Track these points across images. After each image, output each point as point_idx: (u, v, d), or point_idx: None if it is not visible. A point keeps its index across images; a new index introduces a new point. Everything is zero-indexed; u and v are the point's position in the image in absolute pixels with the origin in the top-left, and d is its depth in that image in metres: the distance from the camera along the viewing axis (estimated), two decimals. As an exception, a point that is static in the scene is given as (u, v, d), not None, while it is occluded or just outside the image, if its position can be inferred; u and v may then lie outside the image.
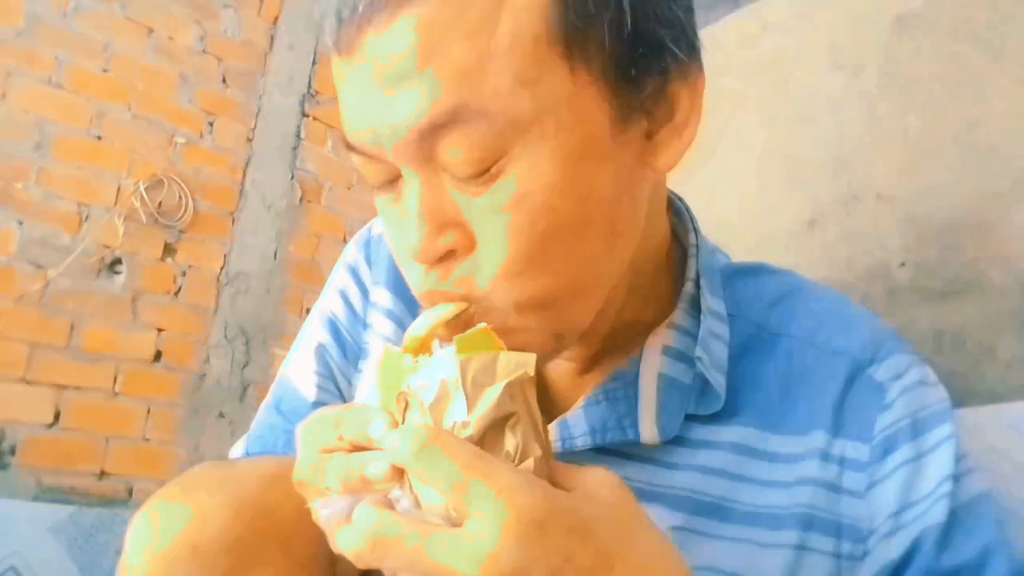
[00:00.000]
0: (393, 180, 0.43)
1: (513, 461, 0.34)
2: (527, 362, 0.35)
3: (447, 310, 0.43)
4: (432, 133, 0.38)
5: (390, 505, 0.34)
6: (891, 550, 0.46)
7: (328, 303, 0.65)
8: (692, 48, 0.44)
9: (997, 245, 0.79)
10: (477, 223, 0.41)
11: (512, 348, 0.47)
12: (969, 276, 0.81)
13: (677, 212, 0.56)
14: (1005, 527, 0.47)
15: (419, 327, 0.44)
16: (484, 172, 0.39)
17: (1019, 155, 0.79)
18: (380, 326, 0.61)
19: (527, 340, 0.43)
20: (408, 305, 0.61)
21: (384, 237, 0.64)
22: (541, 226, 0.40)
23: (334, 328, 0.63)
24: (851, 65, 0.99)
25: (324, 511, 0.36)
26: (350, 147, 0.43)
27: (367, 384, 0.60)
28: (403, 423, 0.35)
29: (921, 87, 0.90)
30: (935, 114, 0.88)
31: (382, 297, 0.61)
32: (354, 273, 0.65)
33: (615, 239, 0.44)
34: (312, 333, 0.63)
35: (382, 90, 0.39)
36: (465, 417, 0.33)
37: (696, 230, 0.55)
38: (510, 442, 0.34)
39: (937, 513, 0.46)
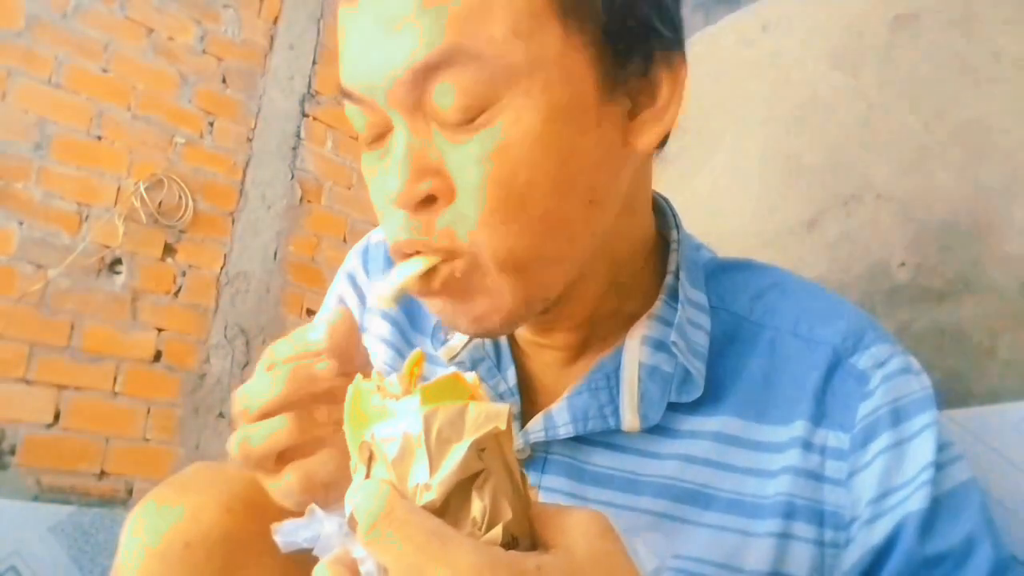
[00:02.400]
0: (383, 135, 0.44)
1: (480, 528, 0.31)
2: (499, 415, 0.31)
3: (420, 265, 0.43)
4: (426, 75, 0.40)
5: (354, 567, 0.31)
6: (873, 536, 0.46)
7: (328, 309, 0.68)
8: (676, 33, 0.46)
9: (997, 245, 0.79)
10: (458, 173, 0.42)
11: (485, 312, 0.45)
12: (969, 276, 0.81)
13: (661, 212, 0.57)
14: (990, 516, 0.47)
15: (392, 283, 0.43)
16: (472, 120, 0.40)
17: (1019, 154, 0.79)
18: (378, 329, 0.63)
19: (500, 304, 0.44)
20: (405, 307, 0.62)
21: (381, 245, 0.67)
22: (521, 178, 0.41)
23: None
24: (851, 65, 0.99)
25: (279, 537, 0.35)
26: (347, 96, 0.44)
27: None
28: (368, 476, 0.32)
29: (921, 87, 0.90)
30: (935, 114, 0.87)
31: None
32: (352, 280, 0.68)
33: (592, 209, 0.45)
34: None
35: (382, 31, 0.40)
36: (427, 479, 0.30)
37: (678, 227, 0.56)
38: (477, 506, 0.31)
39: (919, 500, 0.45)
